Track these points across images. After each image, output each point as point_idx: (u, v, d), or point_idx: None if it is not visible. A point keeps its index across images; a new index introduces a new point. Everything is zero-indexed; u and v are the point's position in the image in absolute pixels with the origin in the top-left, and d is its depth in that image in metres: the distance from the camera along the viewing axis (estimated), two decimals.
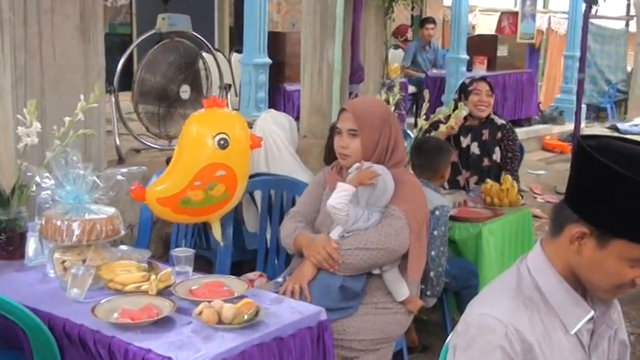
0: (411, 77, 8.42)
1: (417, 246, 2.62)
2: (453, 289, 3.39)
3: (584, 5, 7.50)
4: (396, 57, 8.86)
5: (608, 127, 11.76)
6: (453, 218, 3.46)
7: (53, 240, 2.41)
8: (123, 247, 2.66)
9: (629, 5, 13.32)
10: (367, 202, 2.61)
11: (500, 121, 4.23)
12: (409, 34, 9.60)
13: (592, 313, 1.51)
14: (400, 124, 3.39)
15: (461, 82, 4.74)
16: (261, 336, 2.09)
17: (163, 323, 2.11)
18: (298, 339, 2.19)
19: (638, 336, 3.87)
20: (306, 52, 5.51)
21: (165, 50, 4.43)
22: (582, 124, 8.40)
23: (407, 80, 8.04)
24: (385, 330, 2.66)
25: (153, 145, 4.63)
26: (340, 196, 2.56)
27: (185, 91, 4.48)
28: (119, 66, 4.32)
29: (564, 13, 11.04)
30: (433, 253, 2.99)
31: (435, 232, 3.01)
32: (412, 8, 8.94)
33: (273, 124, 3.62)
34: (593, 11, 7.50)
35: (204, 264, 3.34)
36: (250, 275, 3.05)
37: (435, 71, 8.70)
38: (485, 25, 12.40)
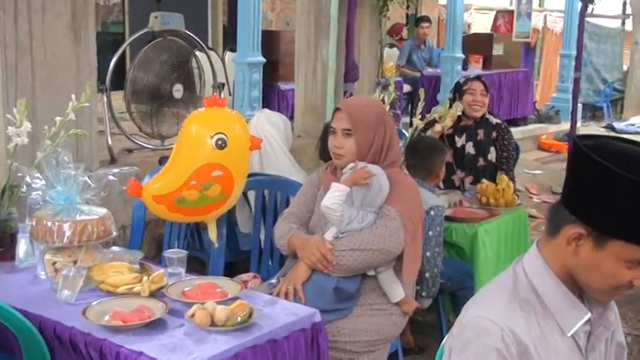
0: (406, 76, 8.41)
1: (412, 247, 2.61)
2: (449, 290, 3.38)
3: (580, 4, 7.50)
4: (391, 56, 8.85)
5: (604, 127, 11.78)
6: (448, 218, 3.45)
7: (44, 241, 2.40)
8: (115, 248, 2.66)
9: (625, 4, 13.36)
10: (362, 203, 2.60)
11: (495, 121, 4.21)
12: (404, 33, 9.58)
13: (589, 314, 1.50)
14: (395, 123, 3.37)
15: (456, 81, 4.72)
16: (254, 338, 2.08)
17: (155, 325, 2.10)
18: (292, 341, 2.18)
19: (635, 337, 3.87)
20: (300, 51, 5.50)
21: (158, 49, 4.41)
22: (578, 124, 8.42)
23: (402, 79, 8.03)
24: (380, 331, 2.65)
25: (145, 145, 4.61)
26: (334, 196, 2.55)
27: (178, 91, 4.46)
28: (111, 65, 4.31)
29: (560, 11, 11.04)
30: (428, 253, 2.98)
31: (430, 233, 3.00)
32: (407, 7, 8.95)
33: (268, 124, 3.60)
34: (589, 10, 7.52)
35: (197, 265, 3.33)
36: (244, 276, 3.03)
37: (430, 70, 8.69)
38: (481, 24, 12.40)
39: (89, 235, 2.39)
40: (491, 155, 4.14)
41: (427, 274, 2.99)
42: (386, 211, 2.60)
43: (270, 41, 6.47)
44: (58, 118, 2.60)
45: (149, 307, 2.17)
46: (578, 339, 1.51)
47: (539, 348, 1.45)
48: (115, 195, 2.65)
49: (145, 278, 2.31)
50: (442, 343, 1.72)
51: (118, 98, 4.64)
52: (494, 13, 10.99)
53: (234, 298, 2.24)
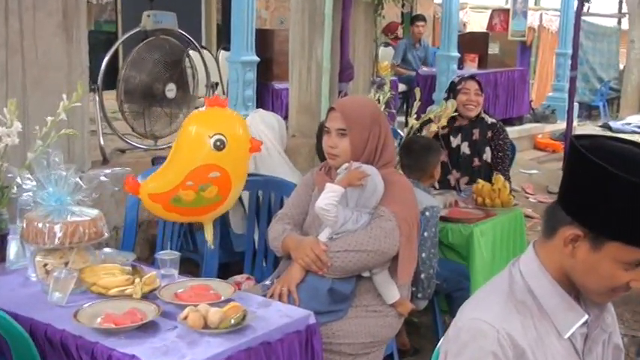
0: (401, 75, 8.40)
1: (408, 248, 2.59)
2: (445, 291, 3.37)
3: (576, 2, 7.51)
4: (386, 55, 8.84)
5: (600, 126, 11.81)
6: (444, 219, 3.44)
7: (35, 243, 2.38)
8: (107, 249, 2.65)
9: (621, 2, 13.38)
10: (356, 204, 2.59)
11: (490, 120, 4.20)
12: (399, 32, 9.59)
13: (586, 317, 1.49)
14: (390, 123, 3.36)
15: (450, 80, 4.71)
16: (248, 341, 2.06)
17: (148, 328, 2.09)
18: (286, 343, 2.17)
19: (631, 338, 3.87)
20: (294, 50, 5.49)
21: (151, 48, 4.39)
22: (574, 123, 8.41)
23: (397, 78, 8.02)
24: (375, 333, 2.63)
25: (138, 145, 4.59)
26: (329, 197, 2.53)
27: (171, 90, 4.44)
28: (103, 64, 4.28)
29: (556, 10, 11.04)
30: (424, 254, 2.97)
31: (426, 234, 2.99)
32: (402, 5, 8.92)
33: (262, 125, 3.59)
34: (585, 8, 7.52)
35: (190, 266, 3.31)
36: (238, 278, 3.02)
37: (425, 69, 8.68)
38: (477, 23, 12.40)
39: (80, 237, 2.37)
40: (487, 155, 4.13)
41: (422, 275, 2.97)
42: (381, 211, 2.59)
43: (264, 40, 6.46)
44: (49, 118, 2.59)
45: (141, 310, 2.15)
46: (575, 341, 1.50)
47: (536, 351, 1.44)
48: (107, 196, 2.64)
49: (137, 280, 2.29)
50: (438, 346, 1.71)
51: (110, 98, 4.62)
52: (489, 11, 10.99)
53: (228, 300, 2.23)
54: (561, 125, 8.87)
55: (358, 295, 2.63)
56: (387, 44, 9.32)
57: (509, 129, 4.62)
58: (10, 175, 2.50)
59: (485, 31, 10.20)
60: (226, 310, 2.10)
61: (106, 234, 2.47)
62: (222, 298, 2.27)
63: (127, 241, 3.14)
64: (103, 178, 2.53)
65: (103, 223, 2.47)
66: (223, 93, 6.25)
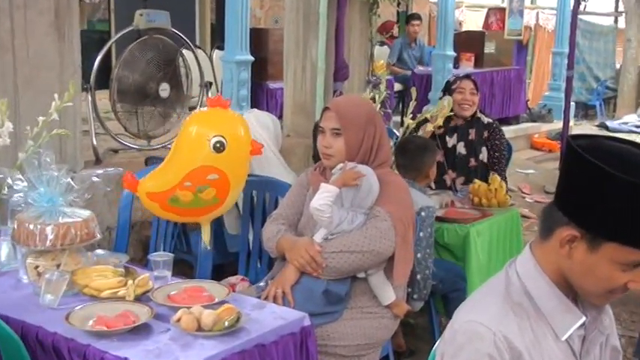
0: (396, 75, 8.40)
1: (403, 248, 2.58)
2: (441, 292, 3.36)
3: (572, 1, 7.50)
4: (382, 54, 8.82)
5: (597, 125, 11.83)
6: (440, 219, 3.44)
7: (26, 244, 2.36)
8: (99, 251, 2.63)
9: (617, 1, 13.39)
10: (351, 204, 2.57)
11: (487, 120, 4.19)
12: (395, 31, 9.57)
13: (583, 318, 1.48)
14: (386, 122, 3.34)
15: (446, 80, 4.70)
16: (242, 343, 2.05)
17: (140, 331, 2.07)
18: (281, 346, 2.15)
19: (629, 338, 3.86)
20: (289, 50, 5.48)
21: (144, 47, 4.37)
22: (571, 122, 8.42)
23: (393, 78, 8.01)
24: (371, 335, 2.62)
25: (131, 145, 4.57)
26: (323, 197, 2.52)
27: (164, 90, 4.43)
28: (95, 63, 4.26)
29: (552, 9, 11.05)
30: (419, 255, 2.96)
31: (421, 234, 2.99)
32: (398, 4, 8.92)
33: (257, 125, 3.57)
34: (581, 7, 7.52)
35: (184, 268, 3.30)
36: (232, 279, 3.01)
37: (421, 68, 8.67)
38: (473, 22, 12.41)
39: (72, 238, 2.35)
40: (483, 155, 4.12)
41: (418, 276, 2.97)
42: (376, 212, 2.58)
43: (258, 39, 6.44)
44: (40, 118, 2.59)
45: (134, 312, 2.14)
46: (573, 343, 1.48)
47: (533, 353, 1.43)
48: (99, 196, 2.62)
49: (130, 282, 2.28)
50: (434, 348, 1.70)
51: (103, 97, 4.61)
52: (485, 10, 10.99)
53: (222, 302, 2.22)
54: (558, 125, 8.87)
55: (353, 297, 2.62)
56: (382, 43, 9.30)
57: (505, 128, 4.61)
58: (0, 176, 2.48)
59: (481, 29, 10.21)
60: (220, 312, 2.08)
61: (98, 235, 2.45)
62: (216, 300, 2.25)
63: (120, 242, 3.12)
64: (95, 179, 2.51)
65: (95, 224, 2.45)
66: (217, 92, 6.23)
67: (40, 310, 2.20)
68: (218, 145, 2.69)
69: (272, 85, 6.59)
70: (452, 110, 4.02)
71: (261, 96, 6.53)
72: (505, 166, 4.19)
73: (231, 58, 5.19)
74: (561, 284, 1.46)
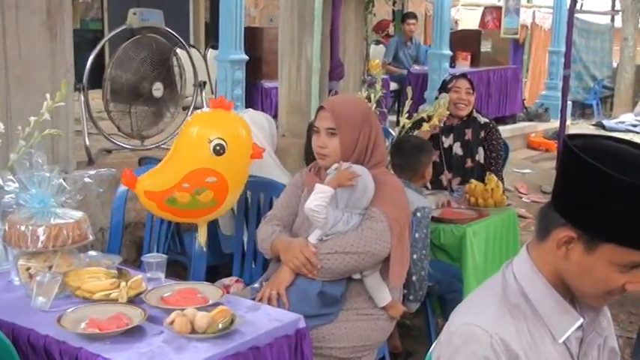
0: (392, 74, 8.39)
1: (399, 249, 2.57)
2: (437, 293, 3.36)
3: (569, 0, 7.49)
4: (377, 53, 8.82)
5: (593, 125, 11.86)
6: (436, 220, 3.43)
7: (17, 246, 2.35)
8: (92, 252, 2.63)
9: (614, 0, 13.40)
10: (346, 204, 2.56)
11: (483, 120, 4.17)
12: (390, 30, 9.57)
13: (581, 320, 1.47)
14: (382, 122, 3.33)
15: (443, 79, 4.69)
16: (236, 345, 2.04)
17: (133, 333, 2.06)
18: (275, 348, 2.14)
19: (626, 339, 3.87)
20: (284, 49, 5.46)
21: (137, 46, 4.34)
22: (568, 122, 8.43)
23: (388, 77, 8.00)
24: (367, 337, 2.61)
25: (124, 146, 4.55)
26: (318, 198, 2.51)
27: (158, 89, 4.41)
28: (88, 63, 4.24)
29: (549, 7, 11.04)
30: (415, 256, 2.95)
31: (417, 235, 2.98)
32: (393, 3, 8.93)
33: (252, 125, 3.52)
34: (578, 6, 7.52)
35: (178, 269, 3.29)
36: (226, 280, 2.99)
37: (417, 67, 8.67)
38: (469, 20, 12.41)
39: (64, 240, 2.34)
40: (479, 156, 4.10)
41: (414, 277, 2.96)
42: (371, 212, 2.57)
43: (253, 38, 6.43)
44: (32, 118, 2.57)
45: (127, 314, 2.13)
46: (570, 345, 1.48)
47: (530, 355, 1.42)
48: (92, 197, 2.60)
49: (123, 284, 2.27)
50: (430, 350, 1.69)
51: (96, 97, 4.58)
52: (482, 9, 11.00)
53: (216, 304, 2.21)
54: (554, 124, 8.88)
55: (349, 298, 2.61)
56: (378, 42, 9.30)
57: (501, 128, 4.61)
58: None
59: (477, 28, 10.21)
60: (214, 315, 2.07)
61: (90, 236, 2.44)
62: (210, 302, 2.24)
63: (113, 243, 3.12)
64: (87, 180, 2.48)
65: (88, 226, 2.44)
66: (212, 92, 6.21)
67: (32, 313, 2.19)
68: (218, 147, 2.68)
69: (267, 84, 6.57)
70: (447, 109, 4.00)
71: (256, 95, 6.51)
72: (502, 167, 4.18)
73: (226, 57, 5.17)
74: (558, 286, 1.45)
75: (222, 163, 2.71)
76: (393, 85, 8.24)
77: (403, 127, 3.94)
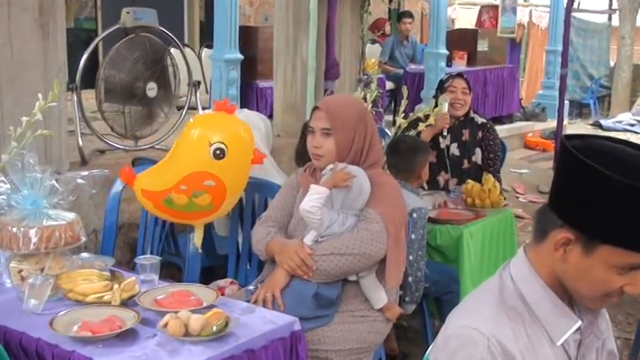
0: (388, 73, 8.38)
1: (395, 250, 2.55)
2: (434, 294, 3.35)
3: None
4: (373, 52, 8.79)
5: (591, 124, 11.86)
6: (433, 220, 3.42)
7: (9, 248, 2.34)
8: (84, 254, 2.62)
9: None
10: (342, 205, 2.55)
11: (480, 120, 4.15)
12: (386, 29, 9.55)
13: (579, 323, 1.46)
14: (377, 122, 3.31)
15: (440, 79, 4.67)
16: (231, 348, 2.03)
17: (126, 336, 2.06)
18: (270, 351, 2.14)
19: (625, 340, 3.86)
20: (279, 48, 5.45)
21: (131, 46, 4.32)
22: (565, 121, 8.42)
23: (384, 76, 7.99)
24: (363, 339, 2.59)
25: (118, 146, 4.52)
26: (313, 199, 2.49)
27: (152, 89, 4.38)
28: (82, 62, 4.21)
29: (546, 6, 11.05)
30: (411, 257, 2.94)
31: (413, 236, 2.97)
32: (389, 2, 8.91)
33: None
34: (575, 4, 7.51)
35: (173, 270, 3.27)
36: (221, 282, 2.98)
37: (413, 67, 8.66)
38: (465, 19, 12.43)
39: (57, 242, 2.33)
40: (476, 157, 4.09)
41: (410, 279, 2.95)
42: (367, 213, 2.55)
43: (248, 37, 6.42)
44: (24, 118, 2.55)
45: (120, 317, 2.12)
46: (568, 348, 1.46)
47: (528, 358, 1.41)
48: (85, 198, 2.58)
49: (116, 286, 2.26)
50: (427, 353, 1.67)
51: (89, 97, 4.56)
52: (478, 8, 11.01)
53: (210, 307, 2.20)
54: (552, 123, 8.88)
55: (345, 300, 2.59)
56: (373, 41, 9.28)
57: (498, 127, 4.59)
58: None
59: (474, 27, 10.21)
60: (208, 317, 2.06)
61: (83, 238, 2.43)
62: (205, 304, 2.23)
63: (106, 244, 3.10)
64: (80, 181, 2.47)
65: (80, 227, 2.43)
66: (206, 92, 6.18)
67: (24, 316, 2.18)
68: (218, 152, 2.67)
69: (262, 84, 6.55)
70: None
71: (251, 95, 6.49)
72: (499, 167, 4.16)
73: (220, 56, 5.16)
74: (556, 288, 1.44)
75: (221, 167, 2.69)
76: (389, 85, 8.23)
77: (399, 127, 3.92)
